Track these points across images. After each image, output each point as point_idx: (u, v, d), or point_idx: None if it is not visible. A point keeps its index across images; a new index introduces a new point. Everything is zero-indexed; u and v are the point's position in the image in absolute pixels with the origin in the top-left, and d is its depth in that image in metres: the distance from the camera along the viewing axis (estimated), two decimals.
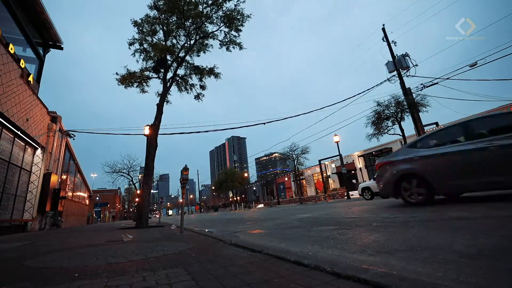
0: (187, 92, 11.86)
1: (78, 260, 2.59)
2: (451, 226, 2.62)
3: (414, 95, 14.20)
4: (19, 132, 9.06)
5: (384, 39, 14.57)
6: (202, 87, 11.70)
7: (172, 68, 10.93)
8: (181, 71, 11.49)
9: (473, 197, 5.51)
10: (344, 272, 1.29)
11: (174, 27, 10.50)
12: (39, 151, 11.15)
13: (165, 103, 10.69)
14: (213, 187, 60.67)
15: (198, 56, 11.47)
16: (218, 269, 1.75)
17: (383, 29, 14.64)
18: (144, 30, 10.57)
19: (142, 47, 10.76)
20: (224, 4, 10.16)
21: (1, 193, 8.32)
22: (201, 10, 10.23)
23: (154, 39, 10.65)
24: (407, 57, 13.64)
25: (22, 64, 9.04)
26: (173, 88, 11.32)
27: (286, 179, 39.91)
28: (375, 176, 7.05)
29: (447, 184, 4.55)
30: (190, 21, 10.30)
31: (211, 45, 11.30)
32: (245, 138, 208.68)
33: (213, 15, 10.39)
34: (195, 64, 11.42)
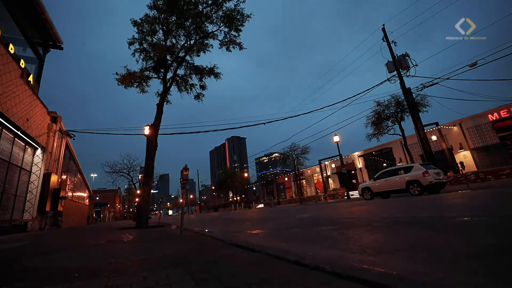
0: (187, 92, 11.84)
1: (78, 260, 2.59)
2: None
3: (414, 95, 14.20)
4: (19, 132, 9.06)
5: (384, 39, 14.56)
6: (202, 87, 11.68)
7: (172, 68, 10.91)
8: (181, 71, 11.48)
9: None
10: (344, 272, 1.29)
11: (174, 27, 10.48)
12: (39, 151, 11.15)
13: (165, 103, 10.69)
14: (213, 187, 60.65)
15: (198, 56, 11.44)
16: (218, 269, 1.75)
17: (383, 29, 14.64)
18: (144, 30, 10.54)
19: (142, 47, 10.74)
20: (224, 4, 10.15)
21: (1, 193, 8.31)
22: (201, 10, 10.22)
23: (154, 39, 10.63)
24: (407, 57, 13.63)
25: (22, 64, 9.03)
26: (173, 88, 11.32)
27: (286, 179, 39.88)
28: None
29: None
30: (190, 21, 10.29)
31: (211, 45, 11.28)
32: (245, 138, 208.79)
33: (213, 15, 10.37)
34: (195, 64, 11.40)
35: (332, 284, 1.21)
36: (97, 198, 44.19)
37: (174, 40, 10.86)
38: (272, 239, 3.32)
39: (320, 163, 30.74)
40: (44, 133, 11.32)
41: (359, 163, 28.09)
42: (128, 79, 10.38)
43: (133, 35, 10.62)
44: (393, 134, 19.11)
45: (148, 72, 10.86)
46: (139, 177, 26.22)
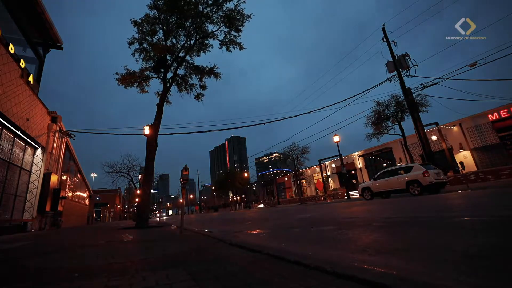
0: (187, 92, 11.84)
1: (78, 260, 2.59)
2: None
3: (414, 95, 14.20)
4: (19, 132, 9.06)
5: (384, 39, 14.56)
6: (202, 87, 11.68)
7: (172, 68, 10.91)
8: (181, 71, 11.48)
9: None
10: (344, 272, 1.29)
11: (174, 27, 10.49)
12: (39, 151, 11.15)
13: (165, 103, 10.69)
14: (213, 187, 60.61)
15: (198, 56, 11.44)
16: (218, 269, 1.75)
17: (383, 29, 14.63)
18: (144, 30, 10.54)
19: (142, 47, 10.75)
20: (224, 4, 10.15)
21: (1, 193, 8.31)
22: (201, 10, 10.22)
23: (154, 39, 10.63)
24: (407, 57, 13.62)
25: (22, 64, 9.03)
26: (173, 88, 11.32)
27: (286, 179, 39.87)
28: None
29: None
30: (190, 21, 10.29)
31: (211, 45, 11.28)
32: (245, 138, 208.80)
33: (213, 15, 10.38)
34: (195, 64, 11.41)
35: (332, 284, 1.21)
36: (97, 198, 44.12)
37: (174, 40, 10.87)
38: (272, 239, 3.32)
39: (320, 163, 30.75)
40: (44, 133, 11.32)
41: (359, 163, 28.08)
42: (128, 79, 10.38)
43: (133, 35, 10.64)
44: (393, 134, 19.13)
45: (148, 72, 10.86)
46: (139, 177, 26.24)
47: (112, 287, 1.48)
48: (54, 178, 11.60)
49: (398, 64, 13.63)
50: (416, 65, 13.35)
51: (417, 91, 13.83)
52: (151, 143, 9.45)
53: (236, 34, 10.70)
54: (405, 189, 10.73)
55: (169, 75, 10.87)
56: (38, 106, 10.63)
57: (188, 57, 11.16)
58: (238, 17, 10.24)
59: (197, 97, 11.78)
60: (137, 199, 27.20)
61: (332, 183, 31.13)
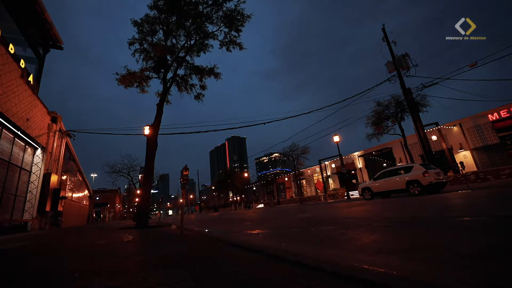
0: (187, 92, 11.85)
1: (79, 260, 2.60)
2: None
3: (414, 95, 14.19)
4: (19, 132, 9.06)
5: (384, 39, 14.55)
6: (202, 87, 11.68)
7: (172, 68, 10.92)
8: (181, 71, 11.48)
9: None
10: (344, 272, 1.29)
11: (174, 27, 10.50)
12: (39, 151, 11.15)
13: (165, 103, 10.70)
14: (213, 187, 60.64)
15: (198, 56, 11.45)
16: (218, 269, 1.75)
17: (383, 29, 14.63)
18: (144, 30, 10.55)
19: (142, 47, 10.75)
20: (224, 4, 10.16)
21: (1, 193, 8.31)
22: (201, 10, 10.22)
23: (154, 39, 10.64)
24: (407, 57, 13.61)
25: (22, 64, 9.03)
26: (173, 88, 11.33)
27: (286, 179, 39.85)
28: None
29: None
30: (190, 21, 10.30)
31: (211, 45, 11.29)
32: (245, 138, 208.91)
33: (213, 15, 10.38)
34: (195, 64, 11.41)
35: (332, 284, 1.21)
36: (97, 198, 44.12)
37: (174, 40, 10.88)
38: (272, 239, 3.32)
39: (320, 163, 30.74)
40: (44, 133, 11.32)
41: (359, 163, 28.07)
42: (128, 79, 10.38)
43: (133, 35, 10.64)
44: (393, 134, 19.12)
45: (148, 72, 10.86)
46: (139, 177, 26.29)
47: (112, 287, 1.48)
48: (54, 178, 11.60)
49: (398, 64, 13.63)
50: (416, 65, 13.35)
51: (417, 91, 13.84)
52: (151, 143, 9.46)
53: (236, 34, 10.72)
54: (405, 189, 10.73)
55: (169, 75, 10.88)
56: (38, 106, 10.63)
57: (188, 57, 11.18)
58: (238, 17, 10.25)
59: (197, 97, 11.78)
60: (137, 199, 27.23)
61: (332, 183, 31.13)
